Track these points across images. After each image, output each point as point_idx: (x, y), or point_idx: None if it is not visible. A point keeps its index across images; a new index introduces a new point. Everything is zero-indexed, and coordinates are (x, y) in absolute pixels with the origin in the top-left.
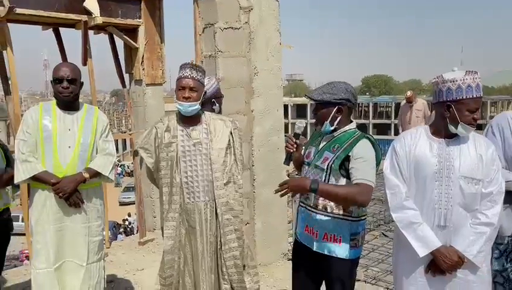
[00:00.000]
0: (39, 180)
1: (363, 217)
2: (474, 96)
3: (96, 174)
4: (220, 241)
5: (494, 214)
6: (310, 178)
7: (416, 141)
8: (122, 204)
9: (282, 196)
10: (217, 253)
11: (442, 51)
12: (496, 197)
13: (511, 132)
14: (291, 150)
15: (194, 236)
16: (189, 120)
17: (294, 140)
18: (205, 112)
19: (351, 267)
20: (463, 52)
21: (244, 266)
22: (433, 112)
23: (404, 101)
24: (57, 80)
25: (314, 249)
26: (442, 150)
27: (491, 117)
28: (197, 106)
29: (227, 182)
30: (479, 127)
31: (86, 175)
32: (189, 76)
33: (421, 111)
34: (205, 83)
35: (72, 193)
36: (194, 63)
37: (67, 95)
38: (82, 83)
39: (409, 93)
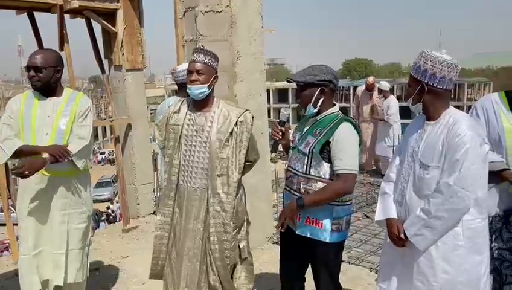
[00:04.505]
0: (22, 154)
1: (347, 202)
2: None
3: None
4: (209, 231)
5: (434, 203)
6: (299, 195)
7: (415, 123)
8: (95, 201)
9: (283, 229)
10: (207, 242)
11: (421, 34)
12: (442, 188)
13: (495, 113)
14: (277, 138)
15: (181, 218)
16: (199, 105)
17: (279, 127)
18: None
19: (335, 250)
20: (443, 36)
21: (239, 261)
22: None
23: (363, 88)
24: (26, 68)
25: (297, 232)
26: (420, 133)
27: (468, 99)
28: (204, 89)
29: (221, 175)
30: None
31: (45, 155)
32: (196, 60)
33: (382, 99)
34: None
35: (30, 175)
36: (203, 47)
37: (35, 83)
38: (58, 70)
39: (371, 79)
